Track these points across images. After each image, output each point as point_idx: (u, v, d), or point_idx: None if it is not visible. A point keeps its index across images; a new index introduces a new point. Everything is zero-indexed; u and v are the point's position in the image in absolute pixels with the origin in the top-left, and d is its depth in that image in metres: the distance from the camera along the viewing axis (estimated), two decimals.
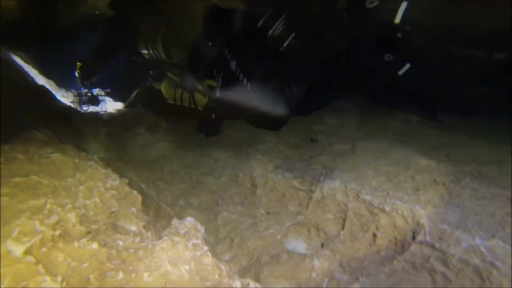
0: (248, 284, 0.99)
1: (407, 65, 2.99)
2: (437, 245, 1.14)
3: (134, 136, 2.60)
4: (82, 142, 2.36)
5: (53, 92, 3.12)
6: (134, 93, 3.14)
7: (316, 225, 1.76)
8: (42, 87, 2.75)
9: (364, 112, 3.14)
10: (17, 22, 2.37)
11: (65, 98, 3.34)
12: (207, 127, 2.53)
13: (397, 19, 2.31)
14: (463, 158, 1.71)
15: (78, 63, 2.82)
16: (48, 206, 1.02)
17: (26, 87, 2.50)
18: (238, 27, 2.50)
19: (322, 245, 1.67)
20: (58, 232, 0.94)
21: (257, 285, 1.02)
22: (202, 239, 1.06)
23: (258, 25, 2.39)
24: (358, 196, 1.69)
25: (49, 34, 2.99)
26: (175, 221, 1.09)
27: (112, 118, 2.79)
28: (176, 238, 1.03)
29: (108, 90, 3.21)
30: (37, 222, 0.92)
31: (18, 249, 0.81)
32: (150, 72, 2.76)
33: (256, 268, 1.51)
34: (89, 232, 1.04)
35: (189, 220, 1.08)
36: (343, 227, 1.69)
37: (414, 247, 1.18)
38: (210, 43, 2.34)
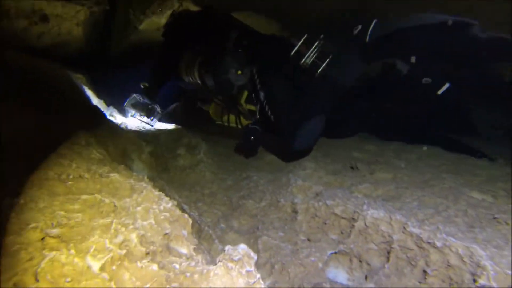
0: None
1: (447, 85, 2.91)
2: None
3: (175, 157, 2.71)
4: (128, 161, 2.50)
5: (103, 110, 3.37)
6: (172, 107, 3.30)
7: (358, 255, 1.72)
8: (96, 106, 2.98)
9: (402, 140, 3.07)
10: (83, 49, 2.67)
11: (112, 116, 3.59)
12: (246, 148, 2.60)
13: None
14: None
15: (144, 83, 3.04)
16: (114, 225, 1.10)
17: (84, 106, 2.73)
18: (267, 55, 2.60)
19: (366, 277, 1.62)
20: (124, 252, 1.00)
21: None
22: (255, 266, 1.08)
23: (291, 53, 2.46)
24: (404, 228, 1.63)
25: (105, 58, 3.29)
26: (228, 248, 1.12)
27: (155, 138, 2.94)
28: (230, 265, 1.06)
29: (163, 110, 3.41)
30: (107, 241, 0.99)
31: (95, 265, 0.88)
32: (198, 95, 2.92)
33: None
34: (148, 253, 1.09)
35: (242, 247, 1.10)
36: (388, 260, 1.63)
37: None
38: (239, 72, 2.45)
